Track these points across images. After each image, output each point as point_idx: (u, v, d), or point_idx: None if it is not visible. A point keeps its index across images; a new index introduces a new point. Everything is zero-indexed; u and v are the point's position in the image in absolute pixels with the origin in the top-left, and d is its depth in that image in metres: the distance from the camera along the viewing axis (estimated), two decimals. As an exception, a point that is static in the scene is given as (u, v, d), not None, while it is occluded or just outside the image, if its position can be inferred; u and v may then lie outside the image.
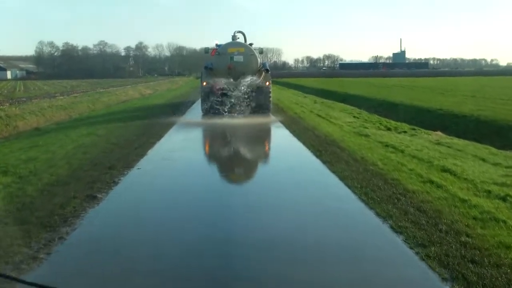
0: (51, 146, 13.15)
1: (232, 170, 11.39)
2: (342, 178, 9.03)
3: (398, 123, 19.95)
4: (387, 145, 13.07)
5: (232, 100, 21.41)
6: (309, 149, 12.44)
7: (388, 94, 38.40)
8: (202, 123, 20.31)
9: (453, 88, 44.93)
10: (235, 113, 21.25)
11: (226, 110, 21.23)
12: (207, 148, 15.55)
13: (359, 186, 8.30)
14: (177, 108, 27.16)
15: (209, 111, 21.86)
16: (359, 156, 11.17)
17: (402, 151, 12.03)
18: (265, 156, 13.54)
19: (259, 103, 22.10)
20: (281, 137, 16.12)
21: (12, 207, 6.93)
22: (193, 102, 31.38)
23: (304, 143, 13.54)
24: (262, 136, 17.27)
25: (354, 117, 22.22)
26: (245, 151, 14.03)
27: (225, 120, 20.14)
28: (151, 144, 13.55)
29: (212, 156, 13.78)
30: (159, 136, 15.09)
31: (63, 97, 42.62)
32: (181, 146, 14.02)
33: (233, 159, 12.75)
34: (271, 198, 8.20)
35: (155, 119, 20.20)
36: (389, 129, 17.93)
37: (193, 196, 8.47)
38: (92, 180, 8.74)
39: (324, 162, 10.66)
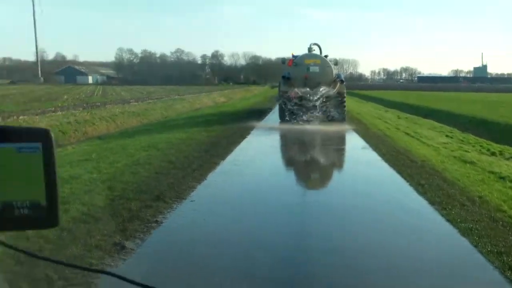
0: (102, 162, 11.44)
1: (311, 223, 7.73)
2: (466, 233, 6.54)
3: (501, 146, 17.11)
4: (502, 177, 10.48)
5: (309, 108, 22.34)
6: (408, 181, 9.95)
7: (475, 110, 34.99)
8: (276, 139, 18.82)
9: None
10: (310, 121, 21.96)
11: (302, 118, 22.17)
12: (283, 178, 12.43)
13: (495, 250, 5.78)
14: (249, 118, 25.35)
15: (285, 119, 22.84)
16: (475, 194, 8.64)
17: (526, 188, 9.48)
18: (352, 191, 10.11)
19: (334, 112, 22.90)
20: (370, 163, 13.09)
21: None
22: (266, 113, 29.52)
23: (400, 171, 11.08)
24: (346, 161, 14.78)
25: (447, 136, 19.50)
26: (329, 186, 11.00)
27: (303, 136, 19.12)
28: (213, 164, 11.60)
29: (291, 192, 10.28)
30: (224, 154, 13.19)
31: (137, 104, 41.82)
32: (247, 172, 11.81)
33: (312, 204, 9.14)
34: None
35: (225, 132, 18.39)
36: (493, 153, 15.13)
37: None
38: (128, 216, 6.79)
39: (432, 203, 8.14)
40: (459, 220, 7.04)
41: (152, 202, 7.67)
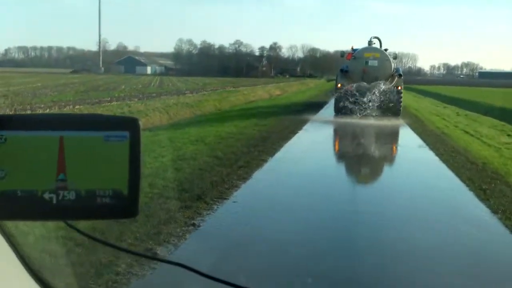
0: (147, 156, 11.13)
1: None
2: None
3: None
4: None
5: (365, 102, 22.19)
6: (468, 186, 9.15)
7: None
8: (329, 136, 18.45)
9: None
10: (366, 115, 22.03)
11: (359, 111, 22.12)
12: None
13: None
14: (303, 112, 24.81)
15: (341, 111, 22.90)
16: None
17: None
18: (406, 196, 9.07)
19: (390, 106, 22.78)
20: (427, 164, 12.35)
21: None
22: (320, 107, 28.97)
23: (459, 174, 10.29)
24: (401, 162, 13.90)
25: (509, 135, 18.28)
26: (381, 193, 9.74)
27: (358, 132, 18.90)
28: (262, 161, 11.09)
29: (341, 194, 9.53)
30: (273, 150, 12.67)
31: (191, 95, 41.82)
32: (294, 170, 11.25)
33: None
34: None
35: (277, 126, 17.91)
36: None
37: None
38: (165, 218, 6.37)
39: (495, 211, 7.36)
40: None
41: (192, 202, 7.25)
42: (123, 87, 54.11)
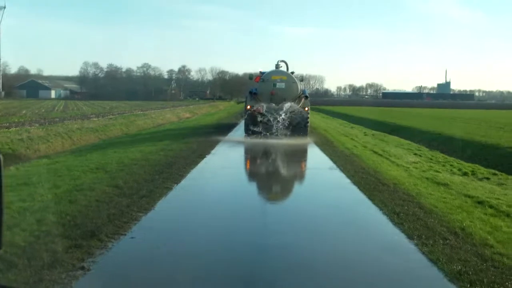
0: (41, 187, 10.12)
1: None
2: (455, 278, 5.53)
3: (471, 165, 16.49)
4: (479, 202, 9.65)
5: (274, 123, 23.19)
6: (381, 210, 8.89)
7: (441, 126, 34.87)
8: (238, 161, 17.93)
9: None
10: (275, 135, 22.98)
11: (268, 131, 23.25)
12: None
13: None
14: (211, 134, 24.54)
15: (251, 132, 23.74)
16: (456, 225, 7.70)
17: (508, 215, 8.62)
18: (317, 221, 8.70)
19: (298, 126, 23.80)
20: (338, 186, 11.94)
21: None
22: (229, 129, 28.65)
23: (371, 197, 10.04)
24: (311, 184, 13.32)
25: (415, 154, 18.78)
26: (290, 218, 9.19)
27: (267, 153, 18.91)
28: (166, 190, 10.29)
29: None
30: (179, 177, 11.91)
31: (97, 119, 40.46)
32: (205, 199, 10.46)
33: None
34: None
35: (184, 150, 17.14)
36: (465, 173, 14.46)
37: None
38: (50, 261, 5.53)
39: (410, 237, 7.09)
40: (445, 260, 6.03)
41: (84, 240, 6.45)
42: (24, 112, 51.61)
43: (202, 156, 15.84)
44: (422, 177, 12.68)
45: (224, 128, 29.75)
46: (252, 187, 13.34)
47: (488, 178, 13.82)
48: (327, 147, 19.78)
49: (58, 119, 38.38)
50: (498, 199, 10.14)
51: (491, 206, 9.27)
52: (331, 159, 16.29)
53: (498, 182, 13.30)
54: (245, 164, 17.37)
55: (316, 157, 17.77)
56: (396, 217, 8.23)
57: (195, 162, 14.43)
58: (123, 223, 7.38)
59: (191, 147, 18.08)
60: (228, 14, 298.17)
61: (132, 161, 13.85)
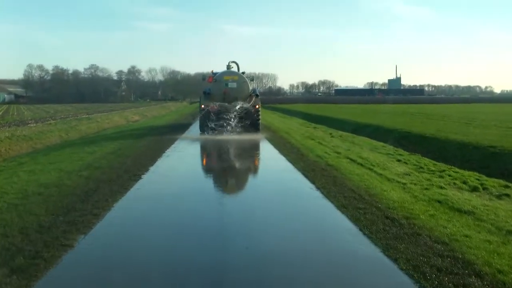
0: None
1: None
2: None
3: (470, 173, 13.35)
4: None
5: (227, 120, 24.54)
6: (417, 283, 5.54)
7: (405, 123, 32.45)
8: (184, 179, 13.95)
9: (475, 117, 38.38)
10: (231, 131, 24.35)
11: (222, 129, 24.42)
12: None
13: None
14: (157, 144, 20.96)
15: (205, 130, 24.92)
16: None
17: None
18: None
19: (250, 123, 25.49)
20: (333, 231, 8.05)
21: None
22: (177, 134, 25.66)
23: (396, 260, 6.26)
24: (293, 233, 7.86)
25: (399, 161, 15.65)
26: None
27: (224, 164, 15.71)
28: (64, 249, 6.53)
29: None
30: (95, 218, 8.15)
31: (34, 125, 36.51)
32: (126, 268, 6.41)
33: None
34: None
35: (115, 169, 13.44)
36: (474, 188, 11.14)
37: None
38: None
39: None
40: None
41: None
42: (-46, 119, 46.95)
43: (135, 176, 12.27)
44: (431, 200, 9.58)
45: (172, 133, 27.06)
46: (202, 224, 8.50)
47: (508, 195, 10.67)
48: (294, 156, 16.43)
49: (-11, 127, 34.38)
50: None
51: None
52: (305, 174, 12.74)
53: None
54: (192, 182, 13.20)
55: (285, 172, 13.73)
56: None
57: (123, 188, 10.70)
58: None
59: (126, 163, 14.52)
60: (178, 15, 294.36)
61: (38, 188, 10.31)
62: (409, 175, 12.78)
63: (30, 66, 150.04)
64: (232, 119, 24.60)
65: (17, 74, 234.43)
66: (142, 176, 12.48)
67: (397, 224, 7.82)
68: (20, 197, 9.43)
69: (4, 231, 7.12)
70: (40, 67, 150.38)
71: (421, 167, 14.41)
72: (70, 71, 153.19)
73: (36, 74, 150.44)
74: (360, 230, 7.63)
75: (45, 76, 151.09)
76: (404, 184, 11.34)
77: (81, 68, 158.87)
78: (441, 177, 12.69)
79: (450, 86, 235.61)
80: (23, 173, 12.67)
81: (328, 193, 10.36)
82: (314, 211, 9.46)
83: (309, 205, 9.87)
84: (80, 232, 7.34)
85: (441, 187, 11.00)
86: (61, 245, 6.68)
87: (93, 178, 11.66)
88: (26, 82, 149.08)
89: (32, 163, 15.56)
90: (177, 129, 30.29)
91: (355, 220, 8.20)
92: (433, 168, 14.25)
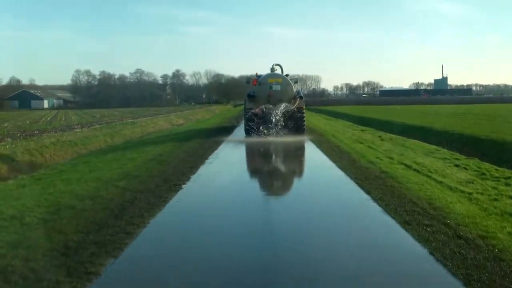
0: None
1: None
2: None
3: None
4: None
5: (272, 122, 24.68)
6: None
7: (455, 124, 31.08)
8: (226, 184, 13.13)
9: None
10: (275, 134, 24.31)
11: (266, 132, 24.57)
12: None
13: None
14: (199, 150, 20.00)
15: (250, 133, 25.09)
16: None
17: None
18: None
19: (295, 125, 25.66)
20: (402, 255, 6.83)
21: None
22: (221, 141, 23.96)
23: (465, 280, 5.53)
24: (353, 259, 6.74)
25: (457, 166, 14.33)
26: None
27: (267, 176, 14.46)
28: (89, 278, 5.70)
29: None
30: (127, 238, 7.31)
31: (80, 130, 36.58)
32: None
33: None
34: None
35: (156, 177, 12.68)
36: None
37: None
38: None
39: None
40: None
41: None
42: (6, 124, 47.62)
43: (176, 186, 11.42)
44: (504, 214, 8.29)
45: (216, 135, 26.84)
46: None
47: None
48: (345, 162, 15.19)
49: (37, 132, 34.60)
50: None
51: None
52: (358, 183, 11.52)
53: None
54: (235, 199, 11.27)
55: (337, 181, 12.62)
56: None
57: (162, 201, 9.83)
58: None
59: (167, 171, 13.75)
60: (221, 18, 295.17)
61: (72, 201, 9.61)
62: (472, 183, 11.49)
63: (77, 71, 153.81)
64: (277, 122, 24.72)
65: (65, 79, 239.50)
66: (183, 186, 11.65)
67: (473, 246, 6.65)
68: (51, 211, 8.73)
69: (26, 254, 6.35)
70: (87, 72, 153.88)
71: (483, 173, 13.09)
72: (117, 76, 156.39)
73: (83, 80, 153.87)
74: (431, 254, 6.45)
75: (92, 81, 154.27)
76: (470, 194, 10.08)
77: (127, 73, 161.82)
78: (508, 184, 11.37)
79: (498, 85, 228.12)
80: (60, 183, 12.08)
81: (387, 206, 9.17)
82: (374, 231, 8.08)
83: (368, 222, 8.67)
84: (109, 255, 6.50)
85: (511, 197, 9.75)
86: (85, 273, 5.81)
87: (130, 189, 10.86)
88: (74, 87, 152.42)
89: (71, 170, 15.03)
90: (221, 132, 29.68)
91: (423, 240, 7.02)
92: (497, 174, 12.90)
